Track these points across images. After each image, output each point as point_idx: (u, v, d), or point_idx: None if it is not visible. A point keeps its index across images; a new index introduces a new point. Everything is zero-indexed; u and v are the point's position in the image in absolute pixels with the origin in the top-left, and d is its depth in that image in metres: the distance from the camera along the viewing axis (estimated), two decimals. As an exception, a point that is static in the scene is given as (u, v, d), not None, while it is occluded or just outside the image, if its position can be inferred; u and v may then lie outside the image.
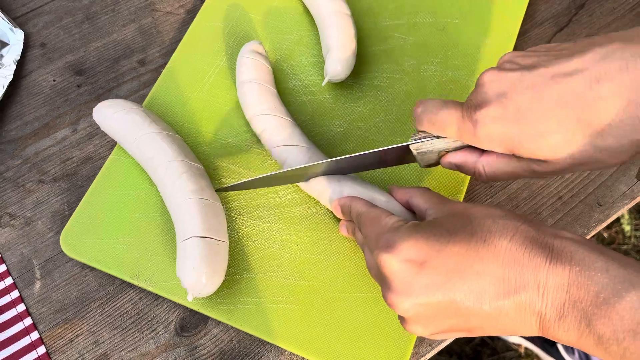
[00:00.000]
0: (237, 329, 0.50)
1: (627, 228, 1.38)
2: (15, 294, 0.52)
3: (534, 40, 0.64)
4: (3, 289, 0.52)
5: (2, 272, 0.53)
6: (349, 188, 0.49)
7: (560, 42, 0.39)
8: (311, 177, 0.50)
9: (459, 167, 0.43)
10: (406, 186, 0.46)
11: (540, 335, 0.35)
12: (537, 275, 0.34)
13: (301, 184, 0.52)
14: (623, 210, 0.55)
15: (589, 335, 0.32)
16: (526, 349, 1.22)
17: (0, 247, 0.54)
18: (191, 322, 0.51)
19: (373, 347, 0.48)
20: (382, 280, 0.39)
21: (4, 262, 0.53)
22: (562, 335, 0.33)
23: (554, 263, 0.33)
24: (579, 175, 0.56)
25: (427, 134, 0.43)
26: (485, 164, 0.41)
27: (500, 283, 0.34)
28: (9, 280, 0.52)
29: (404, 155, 0.46)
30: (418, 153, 0.43)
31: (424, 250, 0.36)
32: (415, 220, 0.44)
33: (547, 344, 1.17)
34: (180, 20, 0.66)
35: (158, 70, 0.63)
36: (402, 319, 0.39)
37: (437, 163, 0.44)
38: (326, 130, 0.57)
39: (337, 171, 0.50)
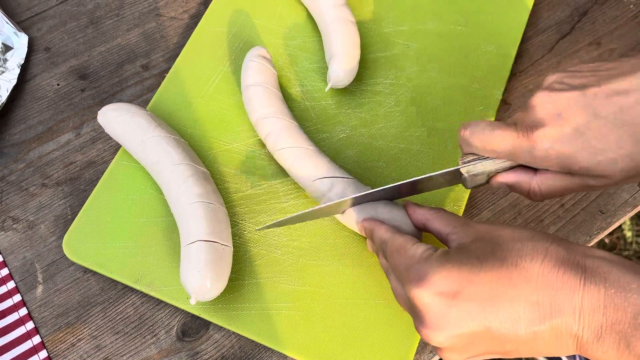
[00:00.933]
0: (238, 335, 0.50)
1: (628, 234, 1.38)
2: (17, 297, 0.52)
3: (536, 48, 0.64)
4: (5, 293, 0.52)
5: (5, 276, 0.53)
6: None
7: (600, 62, 0.40)
8: (351, 207, 0.49)
9: (511, 187, 0.43)
10: (422, 206, 0.46)
11: (578, 354, 0.36)
12: (572, 299, 0.34)
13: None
14: (625, 218, 0.55)
15: (629, 355, 0.32)
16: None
17: (3, 250, 0.54)
18: (193, 327, 0.51)
19: (375, 353, 0.48)
20: (414, 313, 0.38)
21: (6, 265, 0.53)
22: (600, 356, 0.33)
23: (588, 285, 0.33)
24: (582, 183, 0.56)
25: (476, 156, 0.43)
26: (540, 183, 0.41)
27: (535, 308, 0.34)
28: (11, 284, 0.53)
29: (451, 179, 0.46)
30: (469, 176, 0.43)
31: (456, 281, 0.36)
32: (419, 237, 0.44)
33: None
34: (184, 25, 0.66)
35: (162, 75, 0.63)
36: (437, 349, 0.39)
37: (484, 183, 0.44)
38: (329, 136, 0.57)
39: (383, 198, 0.49)
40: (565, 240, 0.37)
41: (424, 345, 0.50)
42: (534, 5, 0.66)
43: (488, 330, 0.35)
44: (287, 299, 0.50)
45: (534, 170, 0.41)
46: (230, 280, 0.49)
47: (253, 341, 0.50)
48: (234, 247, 0.52)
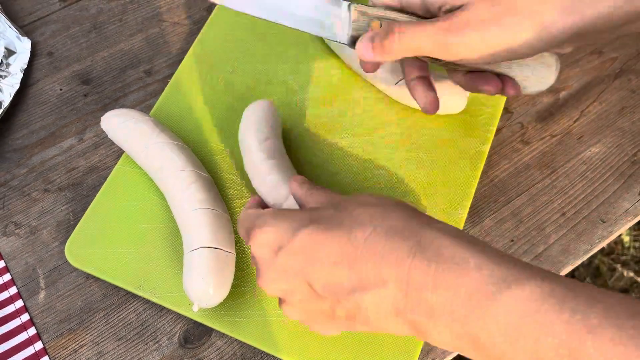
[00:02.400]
0: (240, 341, 0.50)
1: (626, 239, 1.39)
2: (19, 303, 0.52)
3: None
4: (7, 299, 0.52)
5: (7, 282, 0.53)
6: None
7: None
8: None
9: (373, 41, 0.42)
10: (308, 184, 0.44)
11: (415, 336, 0.33)
12: (399, 271, 0.32)
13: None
14: (626, 227, 0.56)
15: (464, 337, 0.30)
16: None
17: (5, 256, 0.54)
18: (195, 333, 0.51)
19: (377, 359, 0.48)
20: (255, 265, 0.40)
21: (8, 271, 0.53)
22: (436, 337, 0.32)
23: (419, 255, 0.31)
24: (583, 192, 0.57)
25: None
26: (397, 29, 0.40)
27: (357, 276, 0.33)
28: (13, 290, 0.53)
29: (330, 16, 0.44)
30: (359, 12, 0.42)
31: (280, 234, 0.37)
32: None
33: None
34: (187, 31, 0.66)
35: (164, 81, 0.63)
36: (279, 304, 0.40)
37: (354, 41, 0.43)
38: (331, 143, 0.58)
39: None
40: (412, 210, 0.36)
41: (426, 353, 0.50)
42: (536, 13, 0.66)
43: (312, 289, 0.35)
44: (290, 307, 0.50)
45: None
46: (233, 286, 0.49)
47: (255, 348, 0.50)
48: (236, 254, 0.52)
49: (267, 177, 0.49)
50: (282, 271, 0.37)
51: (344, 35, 0.44)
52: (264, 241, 0.38)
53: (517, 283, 0.29)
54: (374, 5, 0.43)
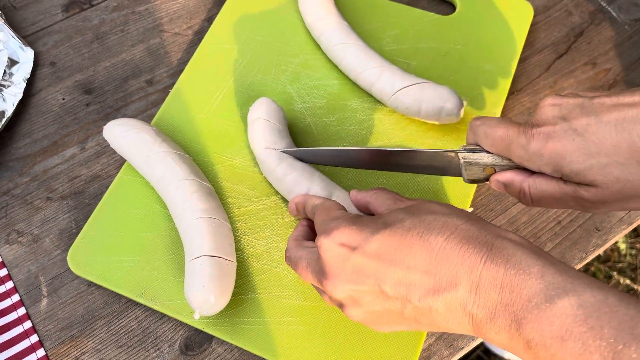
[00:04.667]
0: (241, 349, 0.51)
1: (622, 246, 1.40)
2: (22, 310, 0.52)
3: (534, 67, 0.65)
4: (10, 306, 0.53)
5: (10, 289, 0.53)
6: (317, 186, 0.51)
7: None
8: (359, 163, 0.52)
9: (506, 187, 0.43)
10: (364, 190, 0.47)
11: (474, 335, 0.36)
12: (471, 274, 0.34)
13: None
14: (620, 235, 0.56)
15: (519, 338, 0.32)
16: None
17: (8, 264, 0.55)
18: (196, 341, 0.52)
19: (375, 368, 0.49)
20: (319, 267, 0.40)
21: (11, 279, 0.54)
22: (493, 337, 0.34)
23: (489, 262, 0.34)
24: (578, 201, 0.57)
25: (477, 147, 0.44)
26: (532, 184, 0.41)
27: (430, 279, 0.35)
28: (15, 297, 0.53)
29: (448, 164, 0.46)
30: (465, 162, 0.44)
31: (357, 237, 0.38)
32: None
33: None
34: (188, 42, 0.67)
35: (165, 91, 0.64)
36: (339, 305, 0.40)
37: (481, 180, 0.45)
38: (331, 152, 0.58)
39: (379, 164, 0.50)
40: (482, 221, 0.38)
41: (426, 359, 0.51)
42: (531, 25, 0.68)
43: (382, 290, 0.37)
44: (290, 314, 0.51)
45: (531, 173, 0.42)
46: (233, 294, 0.50)
47: (255, 355, 0.51)
48: (236, 262, 0.52)
49: (285, 179, 0.52)
50: (355, 272, 0.38)
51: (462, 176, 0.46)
52: (339, 241, 0.39)
53: (574, 291, 0.32)
54: (474, 146, 0.44)
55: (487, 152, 0.43)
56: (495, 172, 0.43)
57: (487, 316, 0.34)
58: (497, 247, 0.35)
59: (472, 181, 0.45)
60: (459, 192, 0.56)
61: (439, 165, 0.47)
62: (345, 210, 0.44)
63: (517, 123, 0.41)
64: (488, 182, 0.45)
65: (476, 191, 0.58)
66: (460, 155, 0.44)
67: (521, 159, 0.40)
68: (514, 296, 0.33)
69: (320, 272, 0.40)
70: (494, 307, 0.33)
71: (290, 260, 0.45)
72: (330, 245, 0.39)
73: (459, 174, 0.46)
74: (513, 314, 0.32)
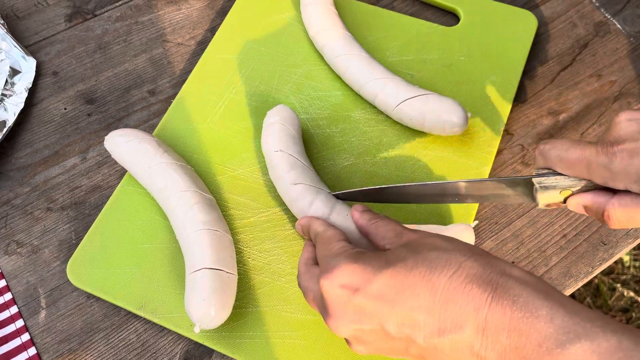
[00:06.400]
0: (241, 363, 0.50)
1: (626, 258, 1.39)
2: (20, 322, 0.52)
3: (538, 79, 0.65)
4: (8, 318, 0.52)
5: (8, 301, 0.53)
6: (320, 202, 0.50)
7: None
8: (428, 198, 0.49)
9: (587, 209, 0.41)
10: (366, 213, 0.46)
11: None
12: (477, 316, 0.33)
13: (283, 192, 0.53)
14: (627, 250, 0.56)
15: None
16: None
17: (7, 275, 0.54)
18: (196, 354, 0.51)
19: (378, 384, 0.48)
20: (322, 303, 0.40)
21: (9, 290, 0.53)
22: None
23: (494, 304, 0.33)
24: (584, 214, 0.57)
25: (550, 171, 0.42)
26: (617, 205, 0.39)
27: (435, 320, 0.34)
28: (14, 309, 0.52)
29: (520, 191, 0.45)
30: (540, 187, 0.42)
31: (358, 278, 0.37)
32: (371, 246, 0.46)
33: None
34: (191, 52, 0.67)
35: (168, 101, 0.64)
36: (346, 341, 0.40)
37: (557, 204, 0.44)
38: (333, 163, 0.58)
39: (451, 195, 0.48)
40: (486, 255, 0.37)
41: (427, 376, 0.50)
42: (536, 37, 0.67)
43: (386, 331, 0.36)
44: (291, 328, 0.50)
45: (612, 192, 0.40)
46: (234, 307, 0.49)
47: (256, 370, 0.50)
48: (237, 275, 0.52)
49: (292, 187, 0.51)
50: (357, 313, 0.37)
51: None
52: (340, 282, 0.38)
53: (587, 336, 0.31)
54: (546, 170, 0.43)
55: (562, 174, 0.42)
56: (572, 194, 0.42)
57: (496, 358, 0.33)
58: (502, 287, 0.34)
59: (547, 206, 0.44)
60: (463, 205, 0.55)
61: (512, 193, 0.45)
62: (347, 241, 0.43)
63: (591, 143, 0.39)
64: (564, 205, 0.43)
65: (479, 205, 0.57)
66: (535, 180, 0.43)
67: (605, 179, 0.38)
68: (524, 340, 0.32)
69: (323, 310, 0.40)
70: (503, 349, 0.32)
71: (300, 287, 0.45)
72: (331, 286, 0.38)
73: (521, 201, 0.45)
74: (524, 358, 0.32)
